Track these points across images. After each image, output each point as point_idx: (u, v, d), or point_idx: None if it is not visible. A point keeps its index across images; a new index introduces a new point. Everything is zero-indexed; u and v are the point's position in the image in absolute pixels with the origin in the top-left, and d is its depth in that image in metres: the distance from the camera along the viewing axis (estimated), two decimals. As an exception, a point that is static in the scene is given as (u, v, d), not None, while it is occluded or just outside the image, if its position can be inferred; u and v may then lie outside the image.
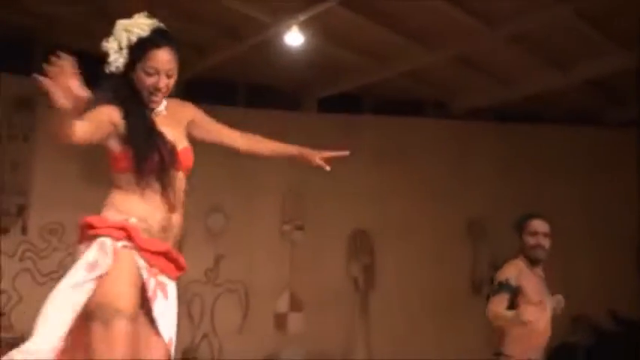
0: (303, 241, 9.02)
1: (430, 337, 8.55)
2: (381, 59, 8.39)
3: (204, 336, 8.56)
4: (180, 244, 8.76)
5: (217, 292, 8.70)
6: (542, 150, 9.08)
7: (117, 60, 2.84)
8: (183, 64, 8.84)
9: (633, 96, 8.54)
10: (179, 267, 2.97)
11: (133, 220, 2.75)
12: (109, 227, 2.71)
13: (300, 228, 9.04)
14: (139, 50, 2.82)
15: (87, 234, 2.73)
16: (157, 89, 2.83)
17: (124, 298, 2.64)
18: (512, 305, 4.17)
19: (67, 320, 2.65)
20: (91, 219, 2.75)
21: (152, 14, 7.60)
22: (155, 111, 2.92)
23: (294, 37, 7.51)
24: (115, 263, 2.66)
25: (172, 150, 2.84)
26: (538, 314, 4.14)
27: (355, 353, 8.69)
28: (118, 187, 2.83)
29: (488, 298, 4.34)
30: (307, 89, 9.37)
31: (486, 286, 8.70)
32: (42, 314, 2.69)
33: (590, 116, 9.38)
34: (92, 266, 2.64)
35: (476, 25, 7.36)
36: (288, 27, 7.40)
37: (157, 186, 2.82)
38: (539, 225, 4.40)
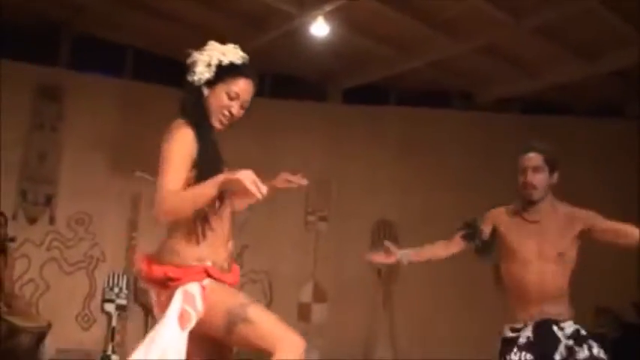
0: (327, 231, 9.04)
1: (453, 327, 8.53)
2: (406, 50, 8.37)
3: (229, 326, 8.60)
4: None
5: (241, 282, 8.65)
6: (567, 141, 8.99)
7: (203, 73, 2.93)
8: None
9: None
10: None
11: (209, 264, 2.84)
12: (193, 274, 2.79)
13: (324, 219, 9.06)
14: (228, 72, 2.94)
15: (169, 285, 2.80)
16: (231, 114, 2.96)
17: (238, 294, 2.84)
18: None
19: None
20: (172, 272, 2.81)
21: (177, 6, 7.64)
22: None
23: (319, 28, 7.52)
24: (208, 296, 2.78)
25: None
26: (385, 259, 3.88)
27: (378, 343, 8.70)
28: (178, 231, 2.88)
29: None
30: (332, 80, 9.38)
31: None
32: None
33: (615, 108, 9.31)
34: (183, 318, 2.73)
35: (502, 16, 7.34)
36: (314, 17, 7.41)
37: (214, 220, 2.90)
38: (526, 160, 3.75)
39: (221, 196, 2.86)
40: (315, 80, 9.39)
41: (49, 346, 6.95)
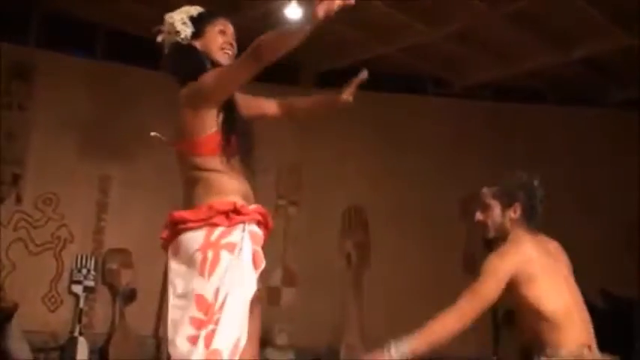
0: (297, 216, 9.01)
1: (422, 314, 8.52)
2: (381, 35, 8.35)
3: (198, 309, 8.56)
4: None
5: (211, 264, 8.69)
6: (541, 129, 9.07)
7: (185, 30, 3.08)
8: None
9: (634, 76, 8.54)
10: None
11: (240, 202, 2.99)
12: (254, 214, 3.03)
13: (294, 203, 9.04)
14: (204, 19, 3.11)
15: (232, 219, 2.91)
16: (231, 46, 3.15)
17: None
18: None
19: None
20: (238, 206, 2.93)
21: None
22: None
23: (293, 11, 7.46)
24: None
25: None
26: None
27: (348, 328, 8.71)
28: (210, 170, 2.99)
29: None
30: (306, 64, 9.32)
31: (478, 264, 8.78)
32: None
33: (591, 96, 9.36)
34: (256, 259, 2.95)
35: (477, 3, 7.34)
36: (288, 0, 7.35)
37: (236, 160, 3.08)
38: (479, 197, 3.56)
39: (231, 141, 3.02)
40: (288, 64, 9.32)
41: (16, 327, 6.89)
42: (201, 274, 2.81)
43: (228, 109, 3.05)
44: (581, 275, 8.62)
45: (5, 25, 7.99)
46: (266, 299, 8.70)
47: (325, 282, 8.77)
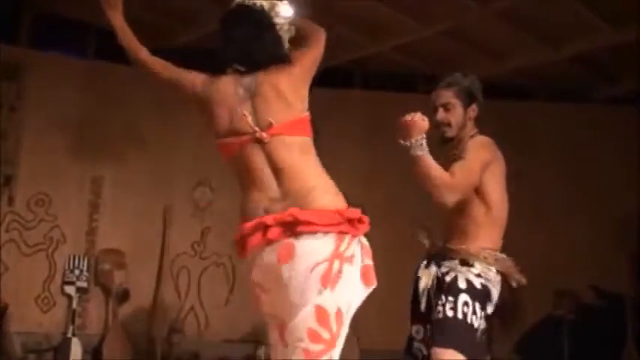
0: (290, 215, 9.01)
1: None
2: (371, 33, 8.36)
3: (191, 308, 8.57)
4: (167, 217, 8.71)
5: (204, 265, 8.70)
6: (531, 125, 9.09)
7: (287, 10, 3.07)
8: (173, 34, 8.83)
9: (624, 72, 8.59)
10: None
11: None
12: (365, 224, 2.82)
13: (287, 203, 9.03)
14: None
15: (357, 227, 2.75)
16: None
17: None
18: None
19: None
20: (352, 213, 2.75)
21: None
22: None
23: (284, 10, 7.45)
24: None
25: None
26: None
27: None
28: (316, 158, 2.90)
29: None
30: (296, 62, 9.32)
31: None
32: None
33: (580, 92, 9.39)
34: (368, 275, 2.77)
35: (467, 0, 7.35)
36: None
37: None
38: (433, 97, 3.70)
39: None
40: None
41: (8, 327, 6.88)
42: (325, 285, 2.59)
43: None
44: (572, 271, 8.68)
45: (-5, 26, 7.99)
46: (259, 298, 8.73)
47: (318, 280, 8.77)
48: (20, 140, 8.05)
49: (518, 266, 3.53)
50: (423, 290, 3.42)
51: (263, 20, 2.96)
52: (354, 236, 2.70)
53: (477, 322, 3.26)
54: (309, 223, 2.60)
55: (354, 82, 9.52)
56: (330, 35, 8.50)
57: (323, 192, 2.77)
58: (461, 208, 3.44)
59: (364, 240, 2.77)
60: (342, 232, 2.65)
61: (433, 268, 3.41)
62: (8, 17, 8.14)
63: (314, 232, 2.61)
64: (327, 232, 2.62)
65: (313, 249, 2.60)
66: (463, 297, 3.26)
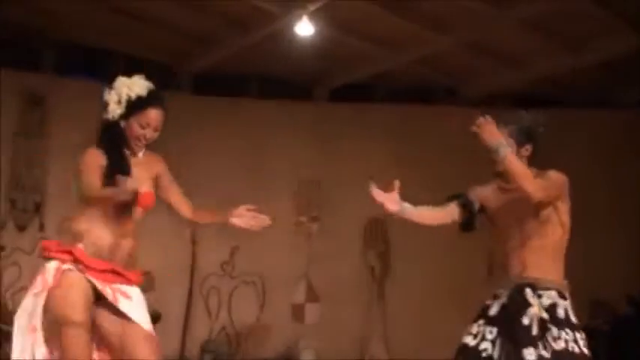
0: (318, 231, 9.04)
1: (447, 323, 8.49)
2: (391, 47, 8.38)
3: (222, 328, 8.60)
4: (195, 238, 8.76)
5: (234, 284, 8.73)
6: (557, 134, 9.01)
7: (115, 110, 3.36)
8: (193, 57, 8.90)
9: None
10: (128, 280, 3.39)
11: (80, 246, 3.24)
12: (57, 252, 3.26)
13: (315, 219, 9.06)
14: (137, 106, 3.36)
15: (44, 255, 3.31)
16: (145, 139, 3.40)
17: (74, 309, 3.16)
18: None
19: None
20: (46, 243, 3.36)
21: (160, 8, 7.60)
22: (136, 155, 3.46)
23: (304, 28, 7.52)
24: (59, 282, 3.20)
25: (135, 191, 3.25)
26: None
27: (372, 342, 8.71)
28: (82, 215, 3.31)
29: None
30: (318, 79, 9.38)
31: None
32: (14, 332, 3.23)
33: (603, 98, 9.33)
34: (35, 286, 3.26)
35: (487, 10, 7.35)
36: (298, 17, 7.42)
37: (115, 217, 3.34)
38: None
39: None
40: (301, 80, 9.38)
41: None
42: None
43: (112, 170, 3.33)
44: (609, 282, 8.58)
45: (19, 54, 8.14)
46: (290, 316, 8.74)
47: (349, 296, 8.78)
48: (48, 167, 8.17)
49: None
50: (533, 316, 3.43)
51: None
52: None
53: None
54: None
55: (376, 96, 9.54)
56: (352, 52, 8.58)
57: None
58: (542, 229, 3.56)
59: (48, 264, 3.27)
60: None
61: (536, 299, 3.48)
62: (32, 47, 8.29)
63: None
64: None
65: None
66: (578, 332, 3.44)
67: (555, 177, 3.57)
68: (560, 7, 7.20)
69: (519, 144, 3.65)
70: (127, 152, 3.42)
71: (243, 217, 3.71)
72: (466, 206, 3.84)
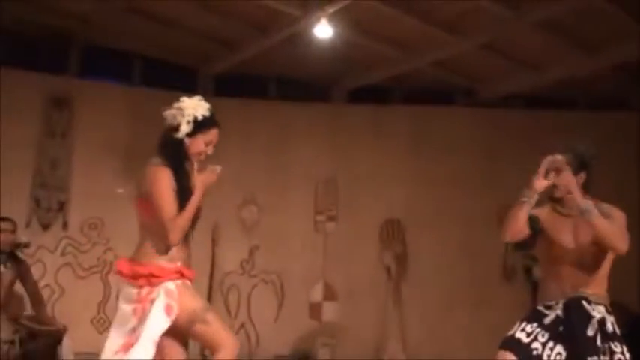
0: (336, 231, 9.12)
1: (462, 324, 8.60)
2: (409, 49, 8.47)
3: (241, 326, 8.70)
4: (215, 237, 8.90)
5: (253, 282, 8.84)
6: (572, 135, 9.03)
7: (184, 130, 3.70)
8: (214, 59, 9.08)
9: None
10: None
11: (179, 264, 3.62)
12: (170, 274, 3.55)
13: (332, 218, 9.14)
14: (203, 125, 3.73)
15: (152, 281, 3.51)
16: (205, 155, 3.79)
17: (201, 303, 3.67)
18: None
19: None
20: (154, 270, 3.54)
21: (183, 12, 7.76)
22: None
23: (323, 30, 7.60)
24: (179, 294, 3.52)
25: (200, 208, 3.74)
26: None
27: (389, 341, 8.77)
28: (158, 234, 3.60)
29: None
30: (337, 81, 9.47)
31: (517, 274, 8.76)
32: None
33: (619, 101, 9.36)
34: (169, 308, 3.46)
35: (503, 12, 7.43)
36: (317, 20, 7.50)
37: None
38: (550, 159, 3.92)
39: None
40: (320, 82, 9.48)
41: (67, 349, 7.05)
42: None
43: (184, 191, 3.71)
44: (623, 284, 8.55)
45: (46, 57, 8.31)
46: (308, 314, 8.83)
47: (366, 295, 8.86)
48: (72, 167, 8.33)
49: None
50: (596, 327, 3.72)
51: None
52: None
53: None
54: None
55: (394, 97, 9.62)
56: (370, 54, 8.66)
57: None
58: (598, 251, 3.87)
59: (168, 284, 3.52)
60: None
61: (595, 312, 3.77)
62: (58, 50, 8.47)
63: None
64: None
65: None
66: (624, 345, 3.73)
67: (620, 218, 3.88)
68: (575, 9, 7.26)
69: (575, 171, 3.91)
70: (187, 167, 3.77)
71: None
72: (532, 226, 3.96)
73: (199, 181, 3.70)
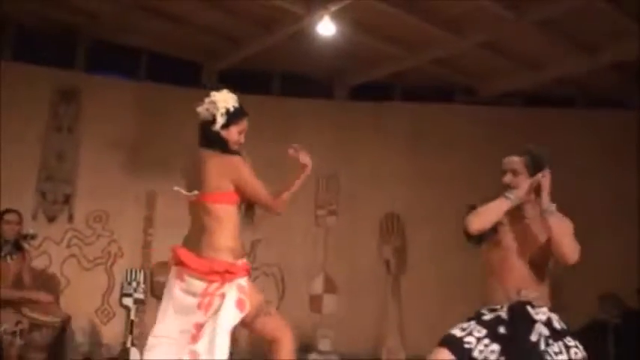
0: (336, 225, 9.22)
1: (461, 317, 8.65)
2: (410, 47, 8.55)
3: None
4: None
5: (254, 275, 8.88)
6: (569, 134, 9.12)
7: (220, 122, 3.90)
8: (219, 55, 9.23)
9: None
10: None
11: (245, 260, 3.87)
12: (241, 271, 3.77)
13: (333, 213, 9.24)
14: (236, 116, 3.95)
15: (225, 277, 3.68)
16: (240, 143, 4.02)
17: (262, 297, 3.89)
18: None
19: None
20: (229, 267, 3.72)
21: (189, 8, 7.87)
22: None
23: (326, 27, 7.68)
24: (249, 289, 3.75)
25: None
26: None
27: (388, 333, 8.86)
28: (227, 230, 3.91)
29: None
30: (339, 78, 9.56)
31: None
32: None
33: (616, 100, 9.42)
34: (241, 303, 3.67)
35: (503, 12, 7.49)
36: (321, 17, 7.59)
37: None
38: (506, 162, 4.03)
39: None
40: (323, 78, 9.57)
41: (70, 339, 7.14)
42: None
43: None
44: (617, 276, 8.65)
45: (54, 51, 8.41)
46: (308, 306, 8.93)
47: (365, 288, 8.95)
48: (78, 160, 8.44)
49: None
50: (540, 332, 3.69)
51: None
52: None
53: None
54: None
55: (395, 94, 9.70)
56: (372, 51, 8.73)
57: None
58: (545, 257, 3.84)
59: (241, 281, 3.73)
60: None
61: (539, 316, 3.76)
62: (65, 45, 8.57)
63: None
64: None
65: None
66: (574, 337, 3.75)
67: (571, 227, 3.84)
68: (575, 9, 7.32)
69: (531, 174, 3.90)
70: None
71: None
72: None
73: (307, 162, 4.21)
